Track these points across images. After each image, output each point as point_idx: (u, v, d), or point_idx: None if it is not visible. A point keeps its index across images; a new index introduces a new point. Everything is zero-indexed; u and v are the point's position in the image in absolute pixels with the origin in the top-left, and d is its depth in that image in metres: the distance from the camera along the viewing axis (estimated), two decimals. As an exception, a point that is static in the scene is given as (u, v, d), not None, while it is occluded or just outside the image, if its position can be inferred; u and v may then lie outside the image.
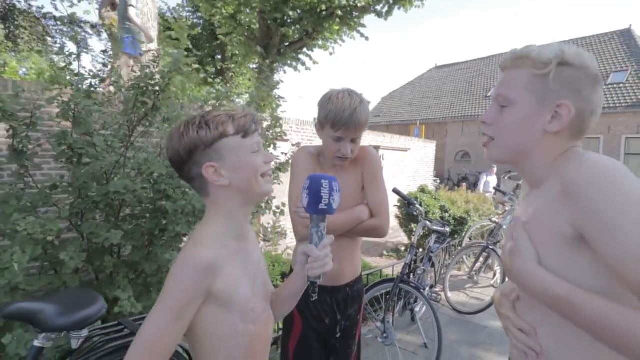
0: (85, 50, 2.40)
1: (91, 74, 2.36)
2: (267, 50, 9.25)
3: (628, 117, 15.06)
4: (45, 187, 2.21)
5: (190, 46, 2.64)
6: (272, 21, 8.86)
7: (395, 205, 5.86)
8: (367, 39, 9.77)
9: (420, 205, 4.94)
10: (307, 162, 1.53)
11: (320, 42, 9.83)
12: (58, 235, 1.93)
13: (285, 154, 3.00)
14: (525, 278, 0.79)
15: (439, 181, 12.59)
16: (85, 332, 1.39)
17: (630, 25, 18.23)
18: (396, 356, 2.88)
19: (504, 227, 4.23)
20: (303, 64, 10.25)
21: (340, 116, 1.36)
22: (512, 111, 0.84)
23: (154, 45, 4.90)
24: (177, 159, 0.87)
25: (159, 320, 0.77)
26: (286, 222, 5.23)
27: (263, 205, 2.89)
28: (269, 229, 3.26)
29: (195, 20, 16.44)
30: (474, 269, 4.64)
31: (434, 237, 3.62)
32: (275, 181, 2.76)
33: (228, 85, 13.50)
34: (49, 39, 15.09)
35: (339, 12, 8.61)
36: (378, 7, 8.87)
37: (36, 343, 1.29)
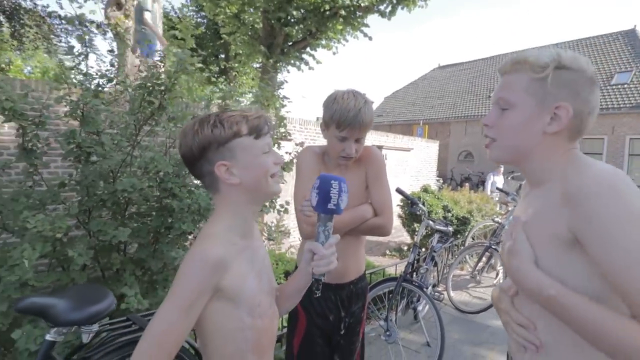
0: (90, 50, 2.43)
1: (99, 73, 2.39)
2: (270, 49, 9.26)
3: (632, 117, 14.98)
4: (53, 185, 2.24)
5: (195, 46, 2.67)
6: (275, 21, 8.86)
7: (398, 205, 5.88)
8: (370, 38, 9.75)
9: (423, 204, 4.95)
10: (312, 161, 1.55)
11: (323, 42, 9.82)
12: (66, 233, 1.95)
13: (289, 154, 3.03)
14: (521, 277, 0.82)
15: (441, 181, 12.60)
16: (95, 327, 1.42)
17: (635, 26, 18.10)
18: (399, 354, 2.90)
19: (507, 227, 4.24)
20: (306, 63, 10.24)
21: (345, 116, 1.38)
22: (512, 113, 0.86)
23: (159, 45, 4.93)
24: (189, 155, 0.89)
25: (168, 314, 0.79)
26: (289, 221, 5.28)
27: (267, 204, 2.91)
28: (273, 228, 3.29)
29: (198, 20, 16.47)
30: (477, 268, 4.65)
31: (436, 236, 3.63)
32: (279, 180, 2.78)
33: (231, 84, 13.54)
34: (54, 37, 15.17)
35: (343, 12, 8.61)
36: (382, 7, 8.86)
37: (48, 337, 1.33)
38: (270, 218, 4.49)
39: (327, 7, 8.27)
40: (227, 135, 0.87)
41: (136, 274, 2.30)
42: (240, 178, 0.88)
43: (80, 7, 3.28)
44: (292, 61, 10.01)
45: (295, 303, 1.11)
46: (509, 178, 9.76)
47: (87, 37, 2.32)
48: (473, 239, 5.70)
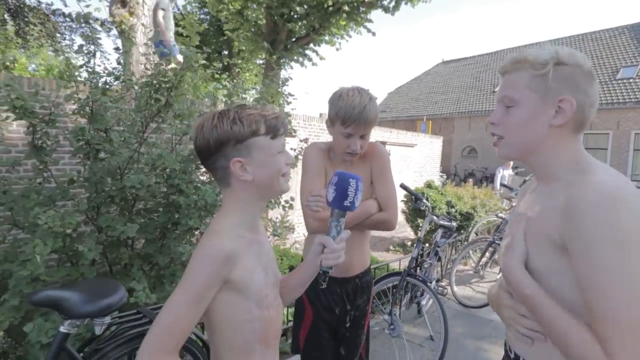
0: (96, 48, 2.46)
1: (106, 71, 2.42)
2: (273, 45, 9.25)
3: (638, 112, 14.87)
4: (63, 181, 2.28)
5: (199, 43, 2.69)
6: (278, 17, 8.85)
7: (402, 201, 5.89)
8: (373, 34, 9.70)
9: (427, 200, 4.97)
10: (317, 157, 1.58)
11: (326, 38, 9.77)
12: (75, 229, 1.99)
13: (294, 150, 3.05)
14: (508, 274, 0.87)
15: (445, 177, 12.57)
16: (108, 319, 1.45)
17: (641, 19, 17.94)
18: (403, 348, 2.93)
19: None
20: (310, 59, 10.21)
21: (350, 113, 1.41)
22: (518, 110, 0.89)
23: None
24: (205, 148, 0.91)
25: (177, 306, 0.81)
26: (294, 217, 5.29)
27: (272, 200, 2.94)
28: (278, 224, 3.32)
29: (202, 16, 16.47)
30: (480, 263, 4.68)
31: (440, 231, 3.66)
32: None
33: (235, 81, 13.55)
34: (58, 35, 15.24)
35: (346, 8, 8.57)
36: (385, 2, 8.81)
37: (62, 329, 1.36)
38: (274, 214, 4.52)
39: (330, 2, 8.23)
40: (246, 133, 0.88)
41: (144, 269, 2.34)
42: (253, 175, 0.91)
43: (87, 5, 3.29)
44: (295, 57, 9.98)
45: (298, 295, 1.14)
46: (514, 173, 9.73)
47: (94, 36, 2.35)
48: (476, 234, 5.71)
